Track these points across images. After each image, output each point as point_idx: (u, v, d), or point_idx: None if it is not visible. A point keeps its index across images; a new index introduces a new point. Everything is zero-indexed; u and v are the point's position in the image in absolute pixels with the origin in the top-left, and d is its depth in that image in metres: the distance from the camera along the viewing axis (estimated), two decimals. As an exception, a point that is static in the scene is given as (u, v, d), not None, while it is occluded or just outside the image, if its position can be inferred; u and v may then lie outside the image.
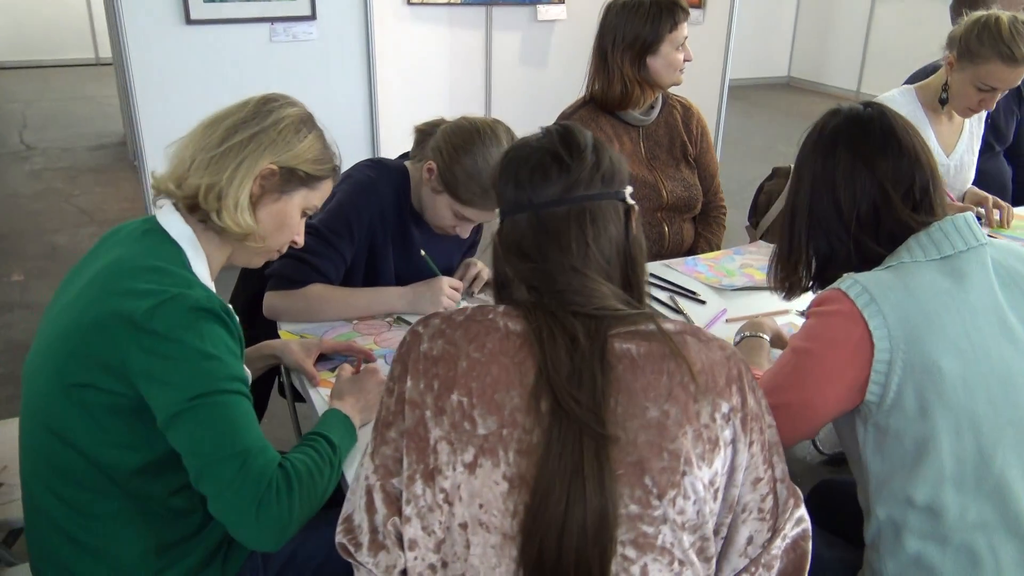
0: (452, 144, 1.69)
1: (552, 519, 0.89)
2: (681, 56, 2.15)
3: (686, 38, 2.17)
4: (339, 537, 1.05)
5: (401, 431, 0.99)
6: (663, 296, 1.87)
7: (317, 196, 1.37)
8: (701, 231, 2.35)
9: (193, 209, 1.26)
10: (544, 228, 1.02)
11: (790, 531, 1.00)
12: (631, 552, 0.90)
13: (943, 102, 2.28)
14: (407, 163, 1.86)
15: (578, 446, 0.90)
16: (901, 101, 2.36)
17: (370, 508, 1.01)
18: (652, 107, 2.26)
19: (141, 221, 1.31)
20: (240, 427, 1.14)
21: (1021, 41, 2.07)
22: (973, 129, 2.43)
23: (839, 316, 1.14)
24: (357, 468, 1.06)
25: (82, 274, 1.26)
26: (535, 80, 5.47)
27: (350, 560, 1.03)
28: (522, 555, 0.91)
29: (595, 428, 0.90)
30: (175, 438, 1.13)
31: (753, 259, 2.13)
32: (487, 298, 1.85)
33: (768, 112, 7.55)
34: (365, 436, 1.28)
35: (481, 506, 0.92)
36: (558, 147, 1.03)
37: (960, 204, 2.35)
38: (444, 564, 0.96)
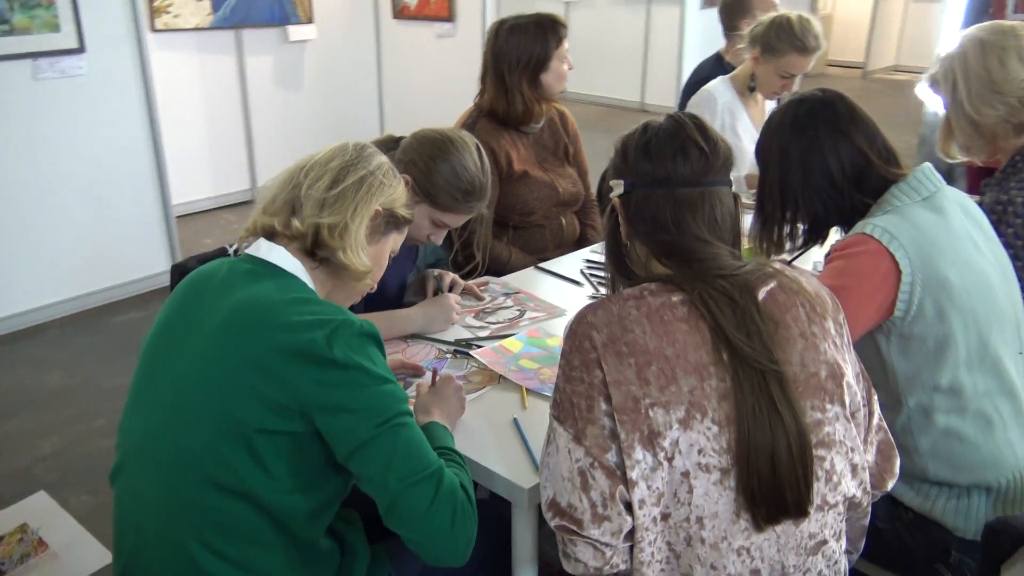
0: (427, 154, 1.77)
1: (761, 446, 1.07)
2: (565, 66, 2.38)
3: (567, 48, 2.40)
4: (555, 522, 1.13)
5: (607, 411, 1.10)
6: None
7: (402, 238, 1.42)
8: (584, 221, 2.60)
9: (310, 247, 1.25)
10: (682, 203, 1.19)
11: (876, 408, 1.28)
12: (821, 452, 1.11)
13: (752, 89, 2.76)
14: None
15: (763, 382, 1.08)
16: (723, 89, 2.80)
17: (585, 487, 1.10)
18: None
19: (233, 262, 1.26)
20: (425, 448, 1.16)
21: (809, 35, 2.59)
22: (768, 109, 2.95)
23: (867, 254, 1.43)
24: (547, 458, 1.15)
25: (194, 325, 1.18)
26: (293, 101, 5.41)
27: (574, 537, 1.12)
28: (739, 483, 1.08)
29: (771, 366, 1.09)
30: (364, 467, 1.13)
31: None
32: (466, 301, 1.94)
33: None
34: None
35: (700, 451, 1.07)
36: (697, 135, 1.21)
37: None
38: (665, 516, 1.09)
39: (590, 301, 1.26)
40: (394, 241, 1.40)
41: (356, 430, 1.11)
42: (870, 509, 1.24)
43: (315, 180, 1.26)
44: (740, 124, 2.80)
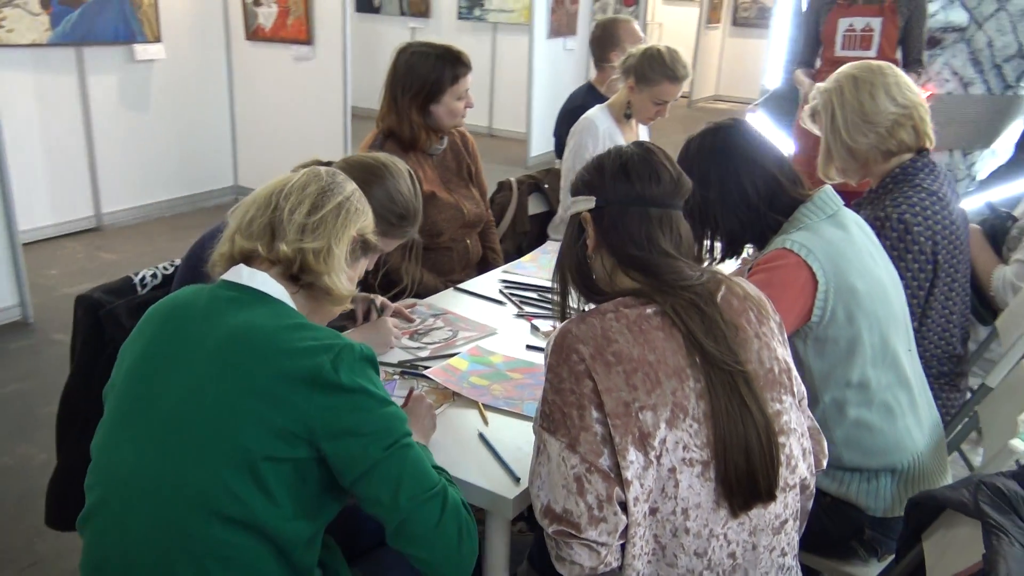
0: (360, 179, 1.75)
1: (735, 439, 1.18)
2: (462, 104, 2.43)
3: (467, 89, 2.45)
4: (553, 527, 1.19)
5: (599, 418, 1.17)
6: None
7: (370, 264, 1.44)
8: (485, 244, 2.67)
9: (296, 272, 1.25)
10: (652, 221, 1.30)
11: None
12: (782, 439, 1.24)
13: (628, 116, 2.94)
14: None
15: (732, 382, 1.20)
16: (602, 116, 2.96)
17: (581, 491, 1.17)
18: (442, 137, 2.52)
19: (212, 289, 1.23)
20: (428, 467, 1.19)
21: (679, 65, 2.81)
22: (645, 136, 3.15)
23: (787, 267, 1.59)
24: (539, 468, 1.21)
25: (181, 354, 1.15)
26: (140, 123, 5.15)
27: (571, 540, 1.18)
28: (718, 474, 1.19)
29: (736, 367, 1.22)
30: (373, 490, 1.14)
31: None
32: (401, 322, 1.95)
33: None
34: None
35: (684, 448, 1.18)
36: (667, 163, 1.32)
37: None
38: (653, 511, 1.19)
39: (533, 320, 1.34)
40: (362, 266, 1.41)
41: (365, 453, 1.12)
42: (814, 491, 1.39)
43: (296, 205, 1.26)
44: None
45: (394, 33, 8.72)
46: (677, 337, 1.21)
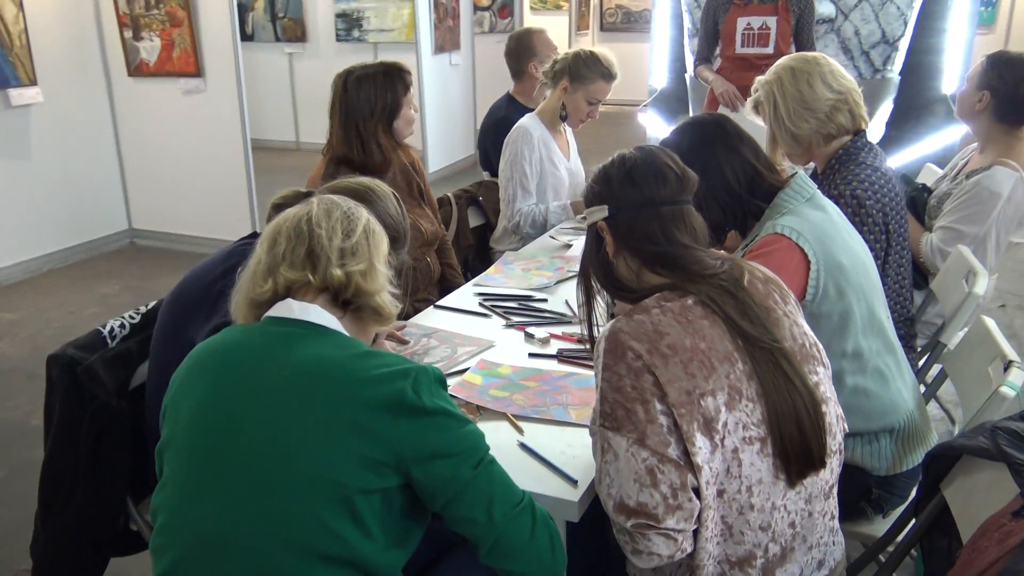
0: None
1: (786, 413, 1.25)
2: (412, 111, 2.45)
3: (413, 95, 2.47)
4: (630, 522, 1.21)
5: (663, 410, 1.20)
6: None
7: None
8: (442, 260, 2.67)
9: (345, 297, 1.24)
10: (666, 219, 1.36)
11: None
12: (823, 408, 1.31)
13: (563, 118, 3.00)
14: None
15: (774, 359, 1.27)
16: (534, 124, 3.01)
17: (655, 483, 1.20)
18: None
19: (260, 328, 1.20)
20: (510, 480, 1.19)
21: (612, 64, 2.91)
22: (573, 141, 3.23)
23: (781, 250, 1.68)
24: (606, 467, 1.24)
25: (248, 398, 1.12)
26: (21, 171, 4.83)
27: (648, 532, 1.21)
28: (775, 448, 1.25)
29: (775, 344, 1.28)
30: (466, 510, 1.13)
31: (530, 261, 2.56)
32: (397, 345, 1.93)
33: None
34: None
35: (744, 427, 1.23)
36: (670, 162, 1.39)
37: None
38: (720, 492, 1.23)
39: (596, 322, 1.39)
40: None
41: (456, 474, 1.12)
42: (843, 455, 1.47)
43: (330, 231, 1.24)
44: (555, 155, 3.03)
45: (270, 60, 8.55)
46: (719, 323, 1.27)
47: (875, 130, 5.36)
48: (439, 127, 7.24)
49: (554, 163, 3.00)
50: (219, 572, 1.08)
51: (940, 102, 5.41)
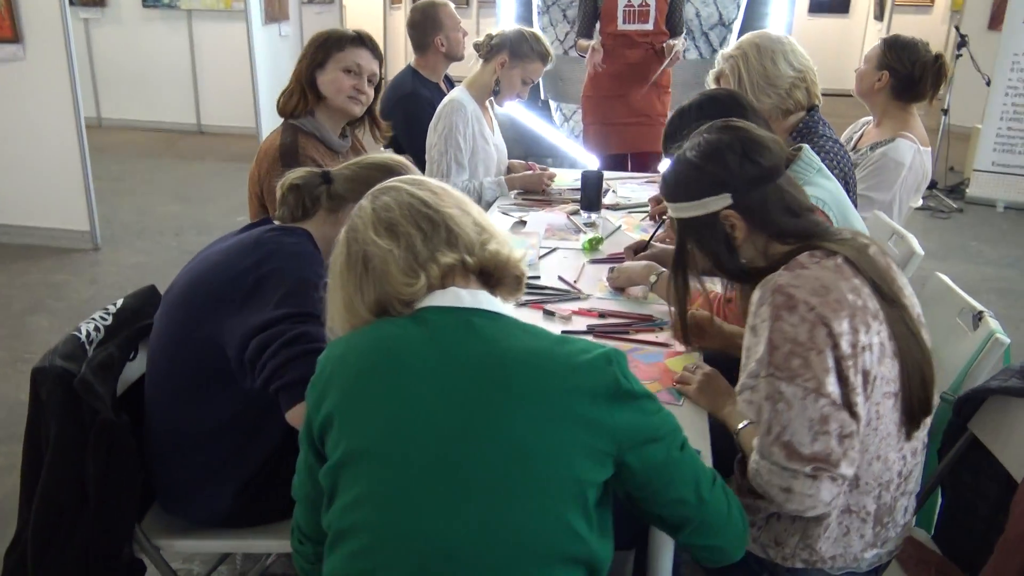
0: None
1: (915, 370, 1.34)
2: (349, 81, 2.35)
3: (357, 69, 2.34)
4: (807, 468, 1.22)
5: (835, 359, 1.24)
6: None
7: None
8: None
9: (493, 275, 1.18)
10: (785, 188, 1.40)
11: None
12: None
13: (496, 93, 2.96)
14: (301, 225, 1.67)
15: (904, 319, 1.35)
16: (466, 98, 2.95)
17: (828, 430, 1.24)
18: (345, 135, 2.36)
19: (428, 321, 1.11)
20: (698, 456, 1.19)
21: (548, 46, 2.91)
22: (496, 116, 3.19)
23: None
24: (777, 416, 1.25)
25: (446, 405, 1.03)
26: None
27: (822, 477, 1.23)
28: (903, 403, 1.34)
29: (905, 306, 1.37)
30: (676, 492, 1.11)
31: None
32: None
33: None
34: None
35: (886, 382, 1.31)
36: (759, 131, 1.41)
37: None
38: (863, 445, 1.31)
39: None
40: None
41: (668, 457, 1.09)
42: None
43: (448, 212, 1.17)
44: (485, 129, 2.99)
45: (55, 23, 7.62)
46: (865, 283, 1.32)
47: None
48: (272, 102, 6.82)
49: (485, 138, 2.96)
50: None
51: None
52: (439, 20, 3.37)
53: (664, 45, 3.86)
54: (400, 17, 11.43)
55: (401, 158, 1.74)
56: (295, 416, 1.42)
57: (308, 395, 1.12)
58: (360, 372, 1.08)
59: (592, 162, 4.37)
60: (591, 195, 2.69)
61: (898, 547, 1.47)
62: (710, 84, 2.40)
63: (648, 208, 2.81)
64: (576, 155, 5.56)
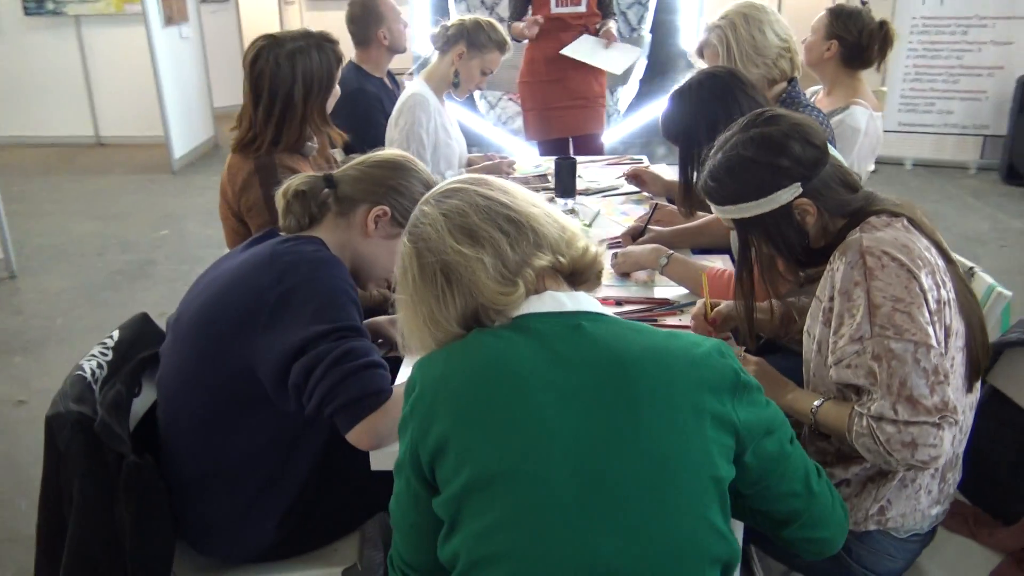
0: (397, 180, 1.60)
1: (976, 325, 1.38)
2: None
3: None
4: (933, 418, 1.21)
5: (929, 313, 1.26)
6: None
7: None
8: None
9: (580, 276, 1.15)
10: (837, 166, 1.41)
11: None
12: None
13: (456, 85, 2.89)
14: (311, 233, 1.59)
15: (959, 275, 1.39)
16: (427, 91, 2.87)
17: (942, 380, 1.23)
18: (310, 137, 2.28)
19: (533, 327, 1.06)
20: None
21: (506, 36, 2.86)
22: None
23: None
24: (891, 379, 1.23)
25: (596, 406, 0.99)
26: None
27: (943, 425, 1.22)
28: (968, 357, 1.37)
29: (958, 264, 1.41)
30: (788, 485, 1.10)
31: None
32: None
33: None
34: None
35: (958, 336, 1.34)
36: (799, 115, 1.42)
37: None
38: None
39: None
40: None
41: (781, 450, 1.08)
42: None
43: (529, 214, 1.13)
44: (447, 123, 2.93)
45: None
46: (931, 244, 1.35)
47: (631, 86, 5.82)
48: (179, 109, 6.53)
49: (448, 132, 2.90)
50: None
51: (680, 56, 5.98)
52: (380, 13, 3.27)
53: (602, 29, 3.87)
54: (295, 12, 11.11)
55: (405, 153, 1.68)
56: (360, 435, 1.36)
57: (408, 422, 1.05)
58: (473, 392, 1.02)
59: (532, 149, 4.35)
60: (567, 182, 2.66)
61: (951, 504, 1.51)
62: (691, 55, 2.41)
63: (621, 188, 2.83)
64: (502, 142, 5.54)
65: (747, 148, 1.39)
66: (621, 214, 2.62)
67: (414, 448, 1.03)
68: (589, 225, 2.47)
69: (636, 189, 2.80)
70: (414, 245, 1.13)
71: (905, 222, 1.36)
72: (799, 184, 1.36)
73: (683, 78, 6.45)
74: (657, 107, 6.02)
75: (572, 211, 2.65)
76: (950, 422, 1.23)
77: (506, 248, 1.08)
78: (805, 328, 1.47)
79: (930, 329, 1.25)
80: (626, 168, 2.96)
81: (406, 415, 1.06)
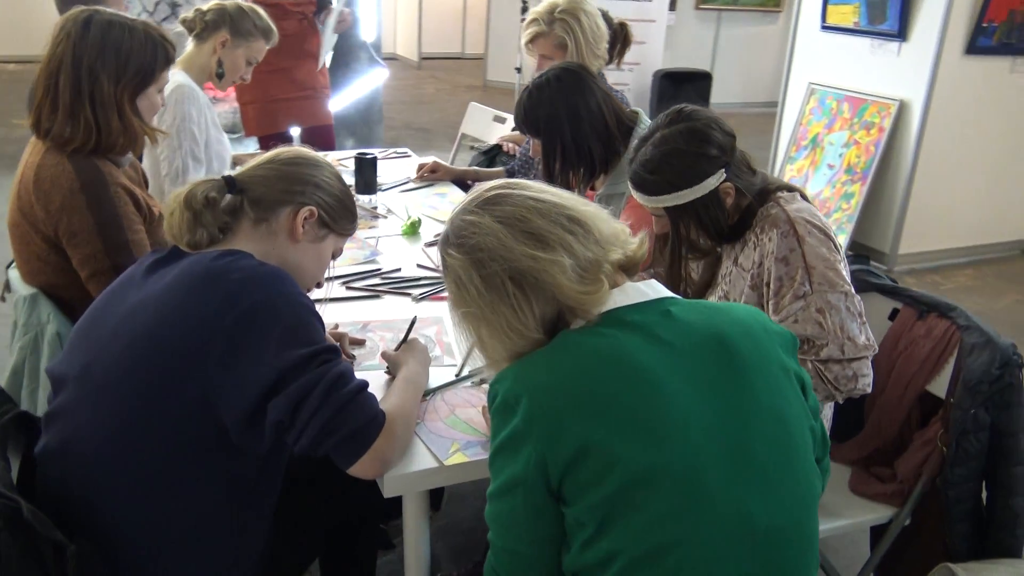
0: (315, 176, 1.47)
1: None
2: (160, 98, 1.90)
3: None
4: (868, 353, 1.51)
5: (847, 270, 1.54)
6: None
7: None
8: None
9: (633, 268, 1.18)
10: (743, 152, 1.61)
11: None
12: None
13: (220, 76, 2.60)
14: (228, 245, 1.40)
15: None
16: (184, 80, 2.53)
17: (864, 320, 1.53)
18: None
19: (622, 319, 1.08)
20: None
21: (271, 23, 2.64)
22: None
23: None
24: (833, 325, 1.48)
25: (713, 382, 1.06)
26: None
27: (866, 357, 1.51)
28: None
29: None
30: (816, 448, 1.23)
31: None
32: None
33: None
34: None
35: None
36: (705, 110, 1.59)
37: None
38: None
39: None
40: None
41: (815, 405, 1.19)
42: None
43: (589, 210, 1.16)
44: (216, 117, 2.64)
45: None
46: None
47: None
48: None
49: (218, 127, 2.61)
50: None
51: (362, 47, 5.98)
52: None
53: (321, 20, 3.81)
54: None
55: (308, 149, 1.52)
56: (366, 466, 1.24)
57: (526, 435, 1.01)
58: (603, 392, 1.01)
59: (250, 141, 4.06)
60: (368, 178, 2.58)
61: None
62: (523, 44, 2.46)
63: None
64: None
65: (678, 141, 1.53)
66: (429, 207, 2.61)
67: (541, 459, 1.00)
68: (419, 221, 2.43)
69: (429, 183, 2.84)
70: (470, 256, 1.09)
71: (798, 195, 1.60)
72: (723, 170, 1.53)
73: (364, 69, 6.38)
74: (341, 100, 5.91)
75: (374, 208, 2.58)
76: (873, 352, 1.52)
77: (578, 247, 1.08)
78: (722, 295, 1.66)
79: (850, 279, 1.53)
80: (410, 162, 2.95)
81: (521, 429, 1.02)
